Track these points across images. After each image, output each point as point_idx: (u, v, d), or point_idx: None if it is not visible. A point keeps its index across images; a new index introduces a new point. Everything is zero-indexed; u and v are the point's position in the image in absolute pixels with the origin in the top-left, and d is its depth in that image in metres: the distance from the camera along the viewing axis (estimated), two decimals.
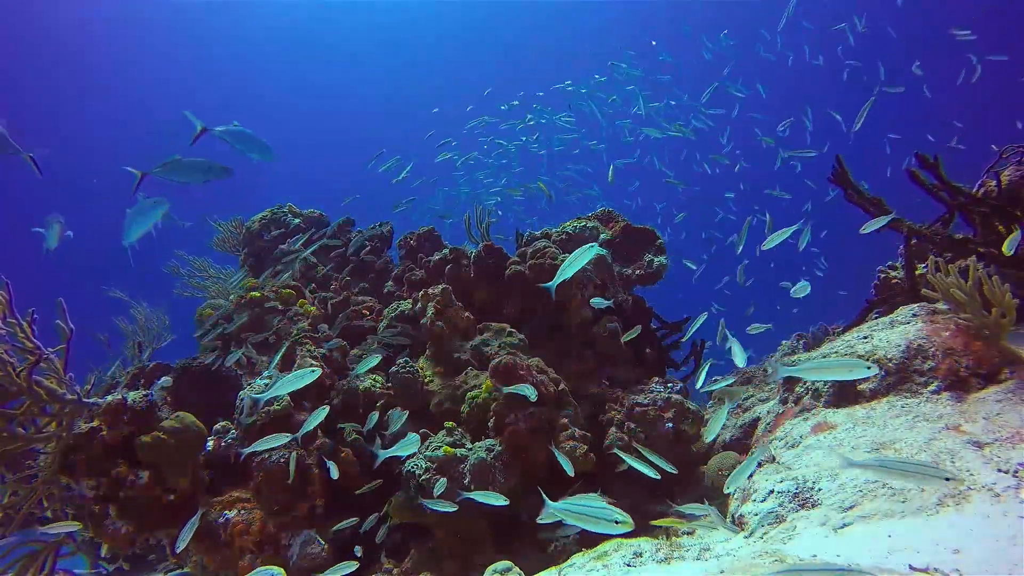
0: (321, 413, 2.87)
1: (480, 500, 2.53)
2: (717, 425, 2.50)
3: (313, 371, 2.58)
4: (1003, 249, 2.49)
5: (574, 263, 2.63)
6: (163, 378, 3.42)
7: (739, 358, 2.74)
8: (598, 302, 3.42)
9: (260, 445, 2.70)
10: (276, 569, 2.18)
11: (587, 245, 2.67)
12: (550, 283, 2.71)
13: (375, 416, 3.20)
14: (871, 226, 3.02)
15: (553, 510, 1.86)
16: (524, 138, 8.59)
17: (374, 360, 3.28)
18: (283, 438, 2.74)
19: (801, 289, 3.02)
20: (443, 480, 2.83)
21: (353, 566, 2.46)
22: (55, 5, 20.07)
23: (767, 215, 3.87)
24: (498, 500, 2.51)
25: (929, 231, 3.24)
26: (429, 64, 26.67)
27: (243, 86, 26.52)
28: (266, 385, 3.30)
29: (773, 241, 2.94)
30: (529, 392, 2.87)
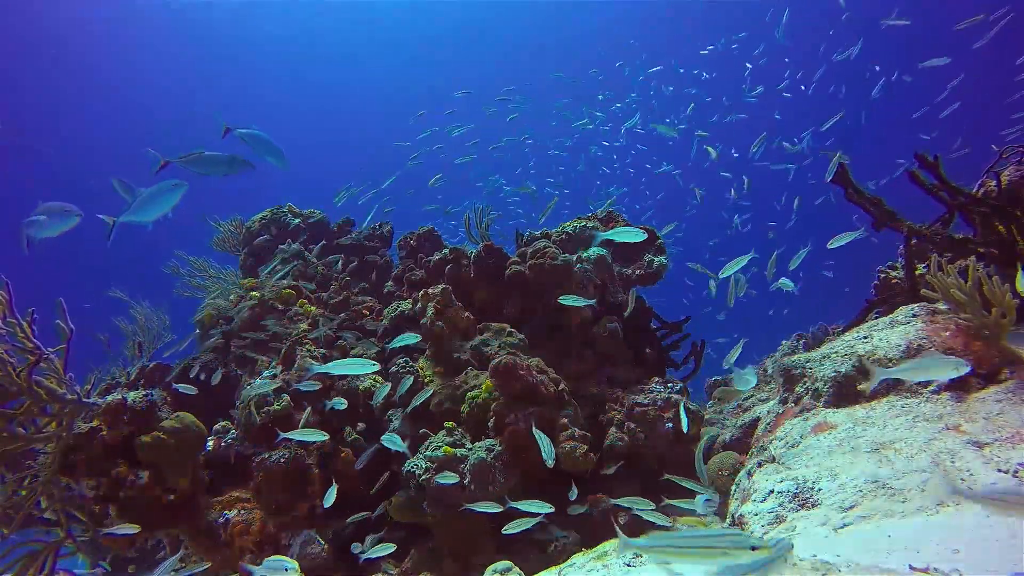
0: (341, 403, 2.96)
1: (526, 509, 2.54)
2: (703, 473, 2.57)
3: (374, 364, 2.73)
4: (1019, 290, 2.45)
5: (625, 234, 2.69)
6: (217, 371, 3.40)
7: (747, 382, 2.77)
8: (571, 299, 3.30)
9: (298, 436, 2.75)
10: (290, 562, 2.18)
11: (636, 230, 2.74)
12: (608, 234, 2.79)
13: (386, 388, 3.20)
14: (839, 241, 3.04)
15: (647, 547, 1.47)
16: (504, 139, 8.55)
17: (411, 339, 3.27)
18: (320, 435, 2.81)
19: (785, 284, 3.05)
20: (449, 473, 2.82)
21: (391, 548, 2.54)
22: (55, 5, 20.06)
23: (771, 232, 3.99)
24: (543, 508, 2.52)
25: (929, 231, 3.24)
26: (429, 64, 26.65)
27: (243, 86, 26.52)
28: (272, 378, 3.30)
29: (731, 269, 3.05)
30: (547, 455, 2.69)
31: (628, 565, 2.01)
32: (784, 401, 2.91)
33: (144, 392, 3.01)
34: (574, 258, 3.80)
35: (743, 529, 2.09)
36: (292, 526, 2.99)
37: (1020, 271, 2.35)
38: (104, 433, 2.85)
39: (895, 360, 2.45)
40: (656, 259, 4.26)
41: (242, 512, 2.95)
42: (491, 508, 2.62)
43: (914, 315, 2.68)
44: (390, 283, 4.75)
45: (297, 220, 5.41)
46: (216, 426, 3.21)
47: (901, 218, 3.33)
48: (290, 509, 2.97)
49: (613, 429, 3.33)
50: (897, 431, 2.13)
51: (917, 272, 3.31)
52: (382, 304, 4.41)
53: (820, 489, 1.98)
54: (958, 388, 2.29)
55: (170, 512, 2.89)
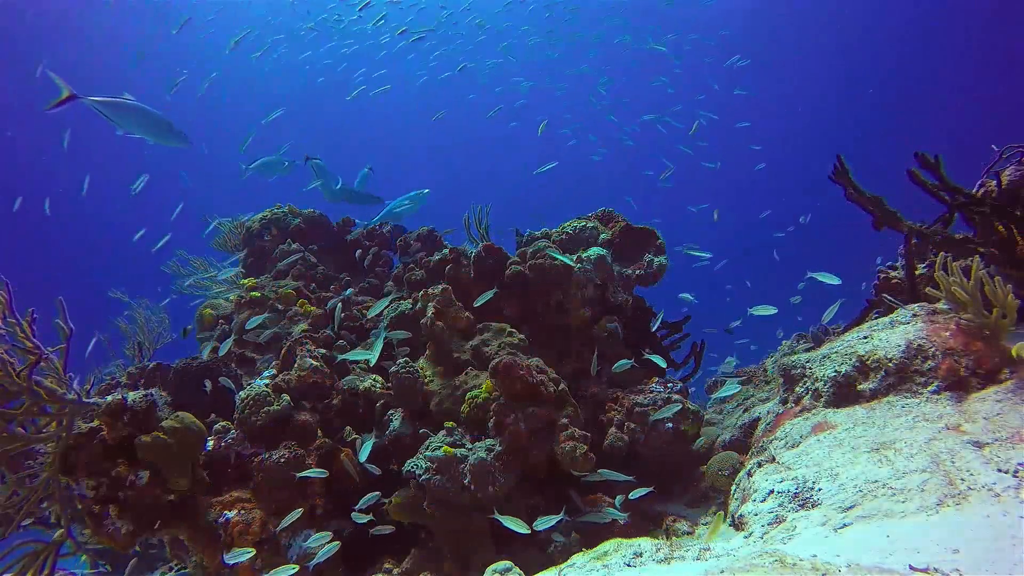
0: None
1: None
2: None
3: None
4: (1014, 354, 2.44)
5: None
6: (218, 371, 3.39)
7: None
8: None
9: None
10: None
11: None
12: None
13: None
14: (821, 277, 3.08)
15: None
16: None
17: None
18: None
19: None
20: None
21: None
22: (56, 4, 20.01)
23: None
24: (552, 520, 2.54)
25: (929, 231, 3.24)
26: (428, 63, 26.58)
27: (244, 86, 26.50)
28: (268, 382, 3.29)
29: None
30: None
31: (628, 565, 2.00)
32: (784, 401, 2.91)
33: (144, 392, 3.00)
34: (574, 258, 3.80)
35: (742, 529, 2.09)
36: (292, 526, 2.99)
37: None
38: (104, 433, 2.85)
39: (895, 359, 2.45)
40: (656, 259, 4.26)
41: (242, 512, 2.95)
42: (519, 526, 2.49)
43: (914, 315, 2.68)
44: (390, 283, 4.75)
45: (297, 220, 5.40)
46: (216, 426, 3.21)
47: (902, 218, 3.33)
48: (290, 509, 2.97)
49: (613, 429, 3.33)
50: (897, 431, 2.13)
51: (917, 272, 3.31)
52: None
53: (820, 489, 1.98)
54: (958, 388, 2.29)
55: (170, 512, 2.89)
